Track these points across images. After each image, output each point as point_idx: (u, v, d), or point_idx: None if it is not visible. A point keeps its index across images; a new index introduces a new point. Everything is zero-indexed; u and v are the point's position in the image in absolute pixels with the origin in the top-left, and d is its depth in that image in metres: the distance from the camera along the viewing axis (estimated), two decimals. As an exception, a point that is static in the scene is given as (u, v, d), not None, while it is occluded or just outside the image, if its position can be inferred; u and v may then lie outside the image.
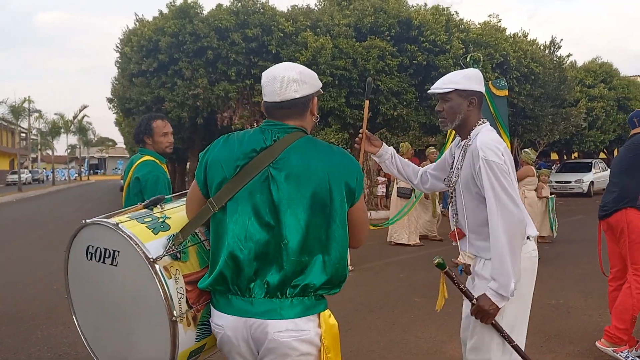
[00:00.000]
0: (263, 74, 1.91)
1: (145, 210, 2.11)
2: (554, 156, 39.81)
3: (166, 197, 2.24)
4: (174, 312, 1.78)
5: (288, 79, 1.85)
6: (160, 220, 2.00)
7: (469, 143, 2.46)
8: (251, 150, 1.82)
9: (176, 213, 2.09)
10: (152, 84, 15.97)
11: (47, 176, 50.43)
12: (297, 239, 1.77)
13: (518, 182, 9.14)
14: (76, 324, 2.16)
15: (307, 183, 1.78)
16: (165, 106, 15.68)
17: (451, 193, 2.61)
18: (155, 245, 1.85)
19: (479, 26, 18.08)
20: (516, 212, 2.29)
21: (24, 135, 50.03)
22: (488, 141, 2.37)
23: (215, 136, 2.92)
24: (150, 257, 1.80)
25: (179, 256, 1.88)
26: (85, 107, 48.75)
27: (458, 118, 2.48)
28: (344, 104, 15.19)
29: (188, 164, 23.89)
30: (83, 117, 49.71)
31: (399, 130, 20.29)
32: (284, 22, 14.59)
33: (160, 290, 1.77)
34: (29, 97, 33.58)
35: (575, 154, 34.97)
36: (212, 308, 1.90)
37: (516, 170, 2.84)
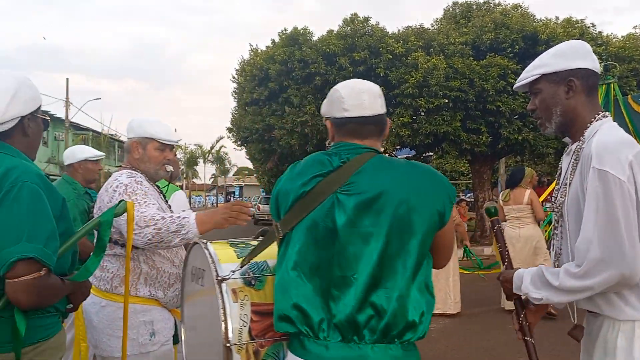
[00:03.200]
0: (335, 88, 1.73)
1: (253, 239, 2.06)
2: None
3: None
4: (230, 336, 1.65)
5: (375, 93, 1.73)
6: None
7: (582, 146, 1.73)
8: (316, 174, 1.64)
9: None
10: (264, 112, 16.05)
11: (199, 202, 55.05)
12: (368, 272, 1.54)
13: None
14: (180, 338, 2.22)
15: (382, 209, 1.55)
16: (274, 134, 15.63)
17: (555, 220, 1.86)
18: (231, 267, 1.76)
19: (621, 39, 15.81)
20: (629, 251, 1.56)
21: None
22: (609, 142, 1.64)
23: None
24: (219, 276, 1.73)
25: (253, 283, 1.77)
26: (221, 138, 51.69)
27: (556, 114, 1.81)
28: (459, 128, 13.97)
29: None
30: (221, 148, 52.73)
31: (531, 157, 18.36)
32: (393, 43, 13.85)
33: (221, 310, 1.67)
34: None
35: None
36: (286, 349, 1.70)
37: None
